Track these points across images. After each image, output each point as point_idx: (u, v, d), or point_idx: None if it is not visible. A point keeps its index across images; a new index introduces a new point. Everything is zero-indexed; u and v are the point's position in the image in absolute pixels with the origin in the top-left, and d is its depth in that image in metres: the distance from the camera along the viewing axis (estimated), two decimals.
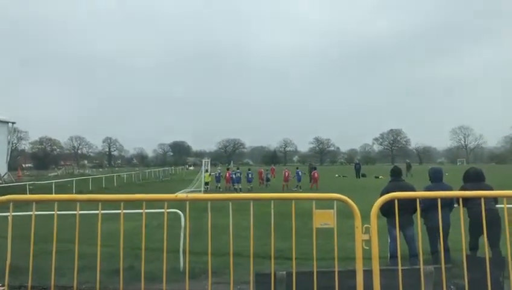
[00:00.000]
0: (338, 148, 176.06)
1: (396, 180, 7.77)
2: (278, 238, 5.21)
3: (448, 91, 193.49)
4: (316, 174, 30.08)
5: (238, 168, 31.06)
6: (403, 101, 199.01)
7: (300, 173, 29.76)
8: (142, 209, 4.20)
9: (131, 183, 38.78)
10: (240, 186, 28.33)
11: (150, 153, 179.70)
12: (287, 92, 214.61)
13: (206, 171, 30.80)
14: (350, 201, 4.12)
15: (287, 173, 29.46)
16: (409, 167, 46.69)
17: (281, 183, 29.49)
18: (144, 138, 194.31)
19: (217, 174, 30.93)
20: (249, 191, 27.44)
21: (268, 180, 30.66)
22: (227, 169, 33.13)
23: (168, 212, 4.33)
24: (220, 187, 30.01)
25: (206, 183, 29.82)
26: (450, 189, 7.36)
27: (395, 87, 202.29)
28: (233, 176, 29.04)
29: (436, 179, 7.64)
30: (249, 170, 29.84)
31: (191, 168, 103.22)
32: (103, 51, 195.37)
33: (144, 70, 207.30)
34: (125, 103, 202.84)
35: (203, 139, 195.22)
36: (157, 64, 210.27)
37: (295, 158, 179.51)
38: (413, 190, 7.30)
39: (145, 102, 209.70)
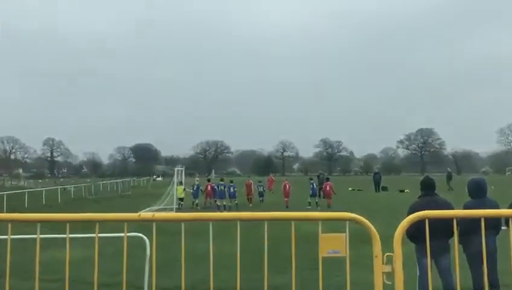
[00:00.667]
0: (351, 153, 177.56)
1: (428, 195, 7.77)
2: (272, 271, 5.21)
3: (495, 79, 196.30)
4: (328, 187, 29.89)
5: (222, 180, 30.86)
6: (435, 94, 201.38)
7: (315, 185, 29.58)
8: (94, 232, 4.17)
9: (81, 199, 38.56)
10: (225, 203, 28.22)
11: (105, 160, 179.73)
12: (285, 82, 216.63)
13: (180, 183, 30.52)
14: (367, 222, 4.12)
15: (287, 186, 29.38)
16: (449, 177, 46.74)
17: (283, 199, 29.48)
18: (97, 139, 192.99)
19: (194, 188, 30.75)
20: (234, 209, 27.36)
21: (261, 195, 30.59)
22: (208, 180, 32.95)
23: (128, 237, 4.30)
24: (197, 204, 29.86)
25: (180, 199, 29.55)
26: (497, 206, 7.40)
27: (424, 76, 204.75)
28: (216, 189, 28.88)
29: (478, 194, 7.68)
30: (232, 182, 29.49)
31: (160, 179, 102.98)
32: (43, 26, 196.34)
33: (97, 52, 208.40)
34: (72, 95, 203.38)
35: (176, 142, 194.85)
36: (115, 45, 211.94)
37: (296, 166, 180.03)
38: (449, 207, 7.33)
39: (98, 93, 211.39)
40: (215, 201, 28.69)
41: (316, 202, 28.89)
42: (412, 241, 7.11)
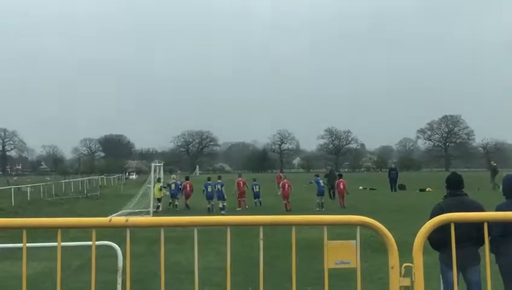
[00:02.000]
0: (362, 145, 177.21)
1: (455, 194, 7.79)
2: (269, 286, 5.21)
3: None
4: (342, 185, 30.08)
5: (209, 179, 30.85)
6: (461, 75, 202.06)
7: (321, 182, 29.60)
8: (56, 241, 4.16)
9: (39, 201, 38.34)
10: (212, 203, 28.46)
11: (67, 154, 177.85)
12: (283, 59, 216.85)
13: (158, 180, 30.48)
14: (381, 227, 4.13)
15: (286, 185, 29.26)
16: (494, 171, 45.75)
17: (288, 200, 29.50)
18: (58, 130, 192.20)
19: (173, 186, 30.70)
20: (222, 213, 27.41)
21: (257, 196, 30.58)
22: (187, 179, 33.02)
23: (97, 246, 4.29)
24: (176, 205, 29.89)
25: (158, 200, 29.58)
26: None
27: (448, 53, 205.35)
28: (205, 189, 28.98)
29: None
30: (219, 178, 29.49)
31: (134, 177, 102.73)
32: None
33: (58, 30, 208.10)
34: (27, 79, 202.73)
35: (153, 133, 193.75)
36: (76, 23, 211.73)
37: (296, 161, 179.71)
38: (480, 209, 7.36)
39: (58, 76, 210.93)
40: (209, 202, 28.80)
41: (322, 203, 28.91)
42: (435, 249, 7.13)
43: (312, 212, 26.06)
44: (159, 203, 30.03)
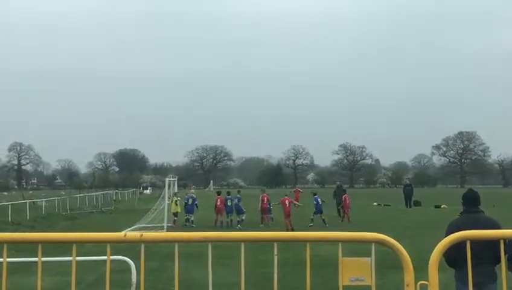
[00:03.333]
0: (377, 161, 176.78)
1: (471, 211, 7.76)
2: None
3: None
4: (347, 200, 30.75)
5: (229, 193, 30.98)
6: (478, 90, 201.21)
7: (319, 200, 29.66)
8: (70, 255, 4.17)
9: (54, 215, 38.48)
10: (232, 218, 28.60)
11: (82, 169, 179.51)
12: (297, 75, 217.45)
13: (174, 194, 30.57)
14: (396, 244, 4.11)
15: (287, 202, 29.07)
16: None
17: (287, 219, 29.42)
18: (73, 145, 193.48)
19: (189, 201, 30.71)
20: (238, 227, 27.40)
21: (269, 211, 30.55)
22: (218, 194, 32.80)
23: (112, 261, 4.30)
24: (192, 221, 29.88)
25: (174, 215, 29.61)
26: None
27: (465, 69, 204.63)
28: (228, 203, 29.13)
29: None
30: (239, 193, 29.68)
31: (148, 191, 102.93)
32: None
33: (71, 45, 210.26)
34: (44, 94, 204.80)
35: (167, 148, 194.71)
36: (91, 37, 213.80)
37: (310, 176, 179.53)
38: (496, 227, 7.30)
39: (74, 91, 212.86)
40: (228, 216, 28.96)
41: (323, 219, 28.90)
42: (451, 267, 7.07)
43: (309, 229, 26.01)
44: (175, 218, 29.99)
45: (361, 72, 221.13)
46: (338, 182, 41.30)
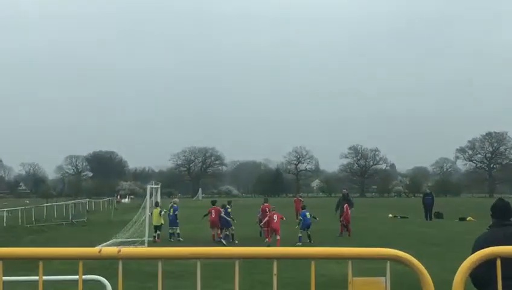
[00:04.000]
0: (393, 166, 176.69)
1: (503, 224, 7.76)
2: None
3: None
4: (348, 210, 30.72)
5: (229, 203, 30.76)
6: (507, 82, 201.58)
7: (307, 214, 29.60)
8: (37, 274, 4.17)
9: (17, 228, 38.42)
10: (227, 233, 28.44)
11: (50, 174, 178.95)
12: (300, 68, 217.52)
13: (156, 204, 30.45)
14: (415, 261, 4.10)
15: (275, 218, 28.80)
16: None
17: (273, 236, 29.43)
18: (39, 146, 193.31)
19: (171, 212, 30.65)
20: (227, 241, 27.42)
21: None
22: (213, 203, 32.51)
23: (85, 281, 4.30)
24: (178, 234, 29.82)
25: (157, 229, 29.49)
26: None
27: (489, 62, 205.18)
28: (221, 215, 28.97)
29: None
30: (229, 203, 29.53)
31: (126, 200, 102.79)
32: None
33: (39, 32, 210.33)
34: (4, 87, 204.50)
35: (149, 150, 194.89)
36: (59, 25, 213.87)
37: (315, 183, 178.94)
38: None
39: (41, 85, 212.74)
40: (222, 230, 28.77)
41: (309, 235, 28.93)
42: (478, 289, 7.09)
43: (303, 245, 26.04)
44: (158, 232, 29.91)
45: (373, 66, 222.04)
46: (344, 190, 40.72)
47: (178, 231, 30.16)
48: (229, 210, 29.10)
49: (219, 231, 28.85)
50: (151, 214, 29.64)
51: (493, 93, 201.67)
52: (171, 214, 30.60)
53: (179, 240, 29.19)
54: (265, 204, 30.46)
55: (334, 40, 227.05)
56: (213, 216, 28.85)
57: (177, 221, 30.61)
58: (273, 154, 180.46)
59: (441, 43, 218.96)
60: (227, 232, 28.52)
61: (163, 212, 30.57)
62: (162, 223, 30.26)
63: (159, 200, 32.13)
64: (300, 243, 27.97)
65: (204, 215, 30.01)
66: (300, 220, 29.59)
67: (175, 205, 31.47)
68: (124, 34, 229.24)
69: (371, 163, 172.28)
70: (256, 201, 35.19)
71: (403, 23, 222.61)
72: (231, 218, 28.66)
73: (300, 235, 28.61)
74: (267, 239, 28.58)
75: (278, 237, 27.63)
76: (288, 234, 30.39)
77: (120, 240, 28.16)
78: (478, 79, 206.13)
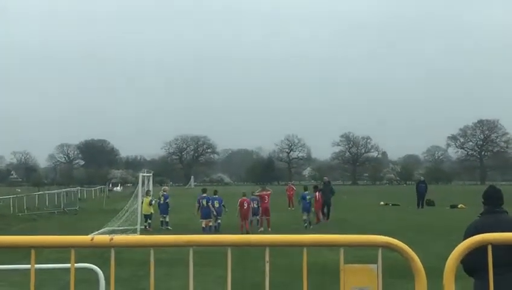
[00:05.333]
0: (384, 153, 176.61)
1: (494, 211, 7.80)
2: None
3: None
4: (317, 196, 30.44)
5: (215, 192, 30.57)
6: (499, 71, 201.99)
7: (308, 197, 29.69)
8: (29, 263, 4.17)
9: (8, 217, 38.36)
10: (211, 224, 28.21)
11: (42, 162, 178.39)
12: (292, 55, 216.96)
13: (147, 194, 30.35)
14: (407, 248, 4.12)
15: (246, 204, 28.71)
16: None
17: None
18: (30, 134, 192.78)
19: (161, 200, 30.61)
20: (216, 230, 27.40)
21: (255, 213, 30.42)
22: (204, 192, 32.26)
23: (76, 269, 4.30)
24: (167, 223, 29.79)
25: (148, 217, 29.46)
26: None
27: (482, 48, 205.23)
28: (203, 203, 28.71)
29: None
30: (215, 193, 29.29)
31: (118, 189, 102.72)
32: None
33: (27, 17, 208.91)
34: None
35: (141, 138, 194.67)
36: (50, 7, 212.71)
37: (307, 171, 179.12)
38: None
39: (31, 70, 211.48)
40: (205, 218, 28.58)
41: (308, 221, 29.11)
42: (469, 275, 7.12)
43: (298, 231, 26.08)
44: (149, 221, 29.93)
45: (365, 55, 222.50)
46: (325, 178, 40.50)
47: (167, 219, 30.20)
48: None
49: (247, 222, 28.61)
50: (142, 203, 29.66)
51: (485, 81, 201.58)
52: (161, 202, 30.65)
53: (168, 228, 29.21)
54: (264, 192, 30.32)
55: (324, 30, 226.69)
56: (245, 208, 28.53)
57: (168, 209, 30.67)
58: (265, 142, 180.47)
59: (430, 30, 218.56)
60: (214, 223, 28.46)
61: (153, 202, 30.58)
62: (151, 213, 30.24)
63: (151, 188, 32.08)
64: (310, 226, 28.18)
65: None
66: (299, 201, 29.74)
67: (165, 193, 31.51)
68: (107, 14, 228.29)
69: (363, 151, 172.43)
70: (249, 189, 34.98)
71: (392, 14, 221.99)
72: (223, 206, 28.69)
73: (304, 218, 28.79)
74: (261, 228, 28.69)
75: (247, 222, 27.80)
76: (281, 221, 30.51)
77: (112, 228, 28.19)
78: (469, 66, 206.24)
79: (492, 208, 7.78)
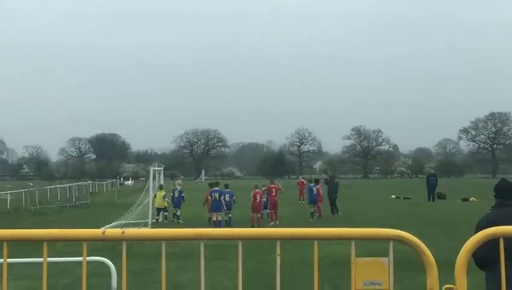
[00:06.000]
0: (395, 147, 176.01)
1: (506, 205, 7.75)
2: None
3: None
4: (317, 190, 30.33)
5: (226, 186, 30.44)
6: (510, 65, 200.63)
7: (314, 189, 29.68)
8: (41, 256, 4.18)
9: (21, 210, 38.48)
10: (220, 218, 28.18)
11: (53, 156, 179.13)
12: (301, 48, 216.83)
13: (160, 187, 30.43)
14: (418, 242, 4.10)
15: (258, 197, 28.54)
16: None
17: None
18: (42, 128, 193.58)
19: (176, 194, 30.64)
20: (227, 225, 27.34)
21: (265, 207, 30.41)
22: (211, 186, 32.27)
23: (88, 263, 4.32)
24: (178, 217, 29.88)
25: (161, 210, 29.58)
26: None
27: (493, 42, 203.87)
28: (215, 196, 28.63)
29: None
30: (227, 187, 29.19)
31: (129, 182, 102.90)
32: None
33: (40, 19, 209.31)
34: (7, 69, 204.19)
35: (152, 132, 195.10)
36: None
37: (318, 165, 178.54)
38: None
39: (44, 68, 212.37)
40: (215, 213, 28.48)
41: (311, 213, 29.14)
42: (481, 269, 7.10)
43: (303, 225, 26.00)
44: (165, 213, 30.07)
45: (377, 47, 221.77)
46: (329, 172, 40.35)
47: (178, 213, 30.27)
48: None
49: (259, 215, 28.53)
50: (155, 196, 29.72)
51: (497, 74, 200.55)
52: (176, 196, 30.75)
53: (179, 222, 29.26)
54: (256, 190, 29.86)
55: (334, 28, 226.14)
56: (257, 201, 28.47)
57: (182, 203, 30.80)
58: (275, 136, 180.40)
59: (440, 25, 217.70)
60: (225, 217, 28.40)
61: (167, 198, 30.64)
62: (165, 206, 30.35)
63: (162, 182, 32.20)
64: (311, 219, 28.17)
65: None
66: (306, 193, 29.76)
67: (180, 188, 31.60)
68: (116, 10, 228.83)
69: (374, 144, 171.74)
70: (260, 183, 34.86)
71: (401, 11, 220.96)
72: (233, 200, 28.61)
73: (311, 211, 28.85)
74: (272, 222, 28.61)
75: (259, 215, 27.78)
76: (291, 214, 30.50)
77: (124, 222, 28.25)
78: (482, 59, 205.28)
79: (504, 201, 7.73)
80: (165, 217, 29.78)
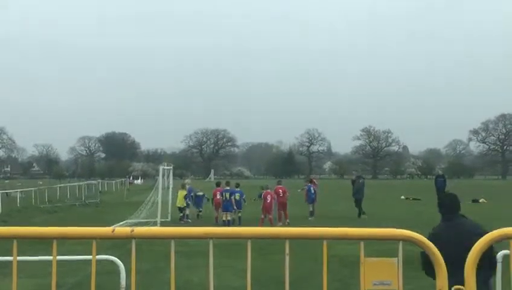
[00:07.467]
0: (405, 148, 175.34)
1: (450, 219, 7.96)
2: None
3: None
4: (269, 197, 29.64)
5: (237, 185, 30.50)
6: None
7: (312, 189, 29.82)
8: (50, 254, 4.19)
9: (31, 208, 38.58)
10: (229, 218, 28.16)
11: (63, 155, 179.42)
12: (311, 54, 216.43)
13: (182, 186, 30.40)
14: (428, 242, 4.09)
15: (269, 198, 28.50)
16: None
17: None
18: (52, 127, 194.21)
19: (192, 192, 30.69)
20: (237, 224, 27.32)
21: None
22: (218, 185, 32.34)
23: (98, 261, 4.32)
24: (187, 215, 29.94)
25: (180, 210, 29.55)
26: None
27: (503, 43, 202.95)
28: (225, 197, 28.62)
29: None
30: (238, 186, 29.25)
31: (139, 181, 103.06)
32: None
33: (48, 17, 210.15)
34: (17, 68, 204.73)
35: (161, 132, 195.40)
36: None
37: (327, 165, 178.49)
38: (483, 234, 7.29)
39: (53, 67, 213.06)
40: (224, 212, 28.49)
41: (310, 211, 29.27)
42: (427, 274, 7.17)
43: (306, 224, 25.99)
44: (187, 213, 29.93)
45: (386, 47, 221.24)
46: (354, 172, 40.24)
47: (187, 212, 30.22)
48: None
49: (271, 216, 28.47)
50: (177, 194, 29.84)
51: (508, 75, 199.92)
52: (195, 195, 30.89)
53: (188, 221, 29.21)
54: (267, 191, 29.67)
55: (347, 24, 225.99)
56: (268, 201, 28.40)
57: (202, 203, 30.92)
58: (285, 136, 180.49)
59: (450, 26, 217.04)
60: (235, 216, 28.37)
61: (188, 200, 30.48)
62: (185, 206, 30.19)
63: (170, 181, 32.19)
64: (311, 218, 28.18)
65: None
66: (303, 189, 29.84)
67: (188, 186, 31.63)
68: (124, 13, 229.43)
69: (384, 145, 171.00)
70: (270, 183, 34.88)
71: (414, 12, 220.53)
72: (243, 199, 28.59)
73: (311, 210, 28.90)
74: (280, 222, 28.57)
75: (270, 217, 27.77)
76: (300, 214, 30.49)
77: (134, 221, 28.27)
78: (492, 59, 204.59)
79: (449, 216, 8.19)
80: (186, 217, 29.55)
